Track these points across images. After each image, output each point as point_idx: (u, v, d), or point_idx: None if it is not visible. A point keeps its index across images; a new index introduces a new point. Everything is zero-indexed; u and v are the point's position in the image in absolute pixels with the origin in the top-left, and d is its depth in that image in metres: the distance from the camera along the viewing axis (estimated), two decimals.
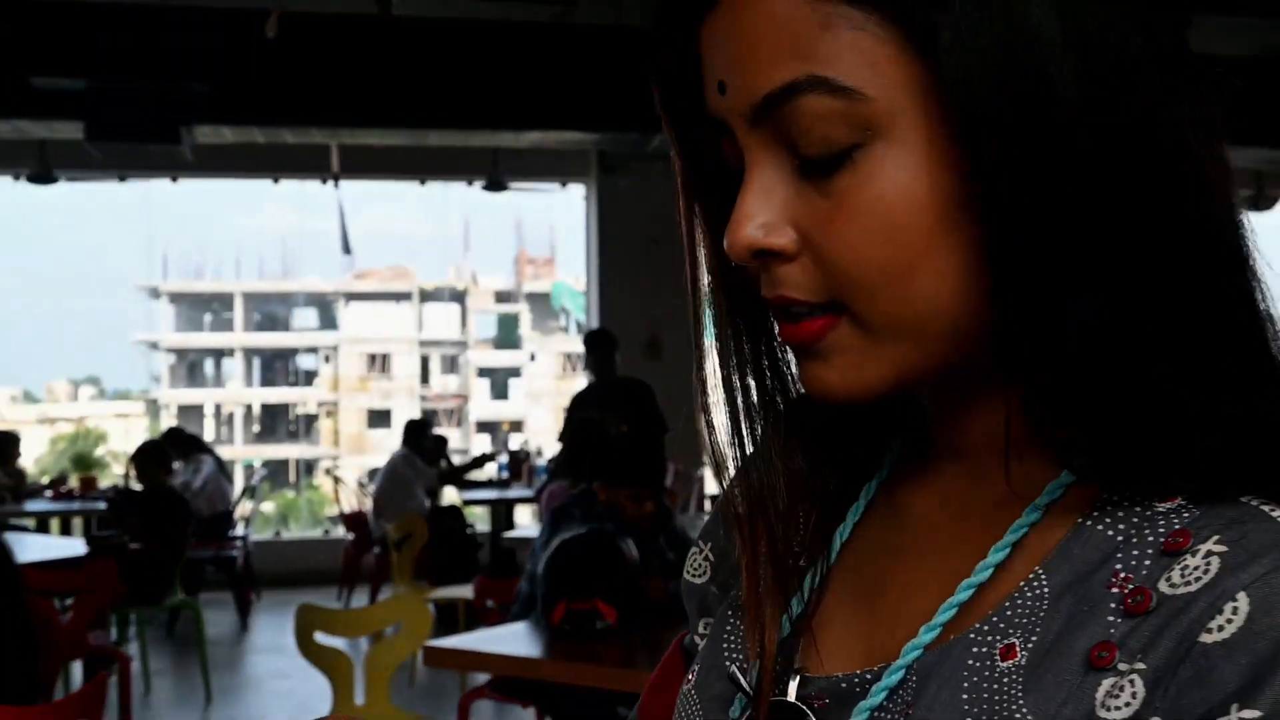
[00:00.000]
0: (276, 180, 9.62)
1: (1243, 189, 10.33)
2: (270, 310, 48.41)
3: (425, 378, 46.06)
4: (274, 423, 47.10)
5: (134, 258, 61.76)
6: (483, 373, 45.88)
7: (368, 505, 8.59)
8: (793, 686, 0.63)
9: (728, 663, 0.68)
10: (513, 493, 8.62)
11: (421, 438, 8.64)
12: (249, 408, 46.65)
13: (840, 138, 0.55)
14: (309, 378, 47.03)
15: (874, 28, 0.54)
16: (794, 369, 0.66)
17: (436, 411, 43.55)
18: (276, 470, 41.37)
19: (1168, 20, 0.58)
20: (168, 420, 38.58)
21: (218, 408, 46.43)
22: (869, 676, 0.61)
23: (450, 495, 8.97)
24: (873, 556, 0.66)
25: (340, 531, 9.49)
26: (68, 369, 52.42)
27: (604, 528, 3.79)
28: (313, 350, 47.14)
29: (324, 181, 8.99)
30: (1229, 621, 0.50)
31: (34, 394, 48.34)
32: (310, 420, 46.49)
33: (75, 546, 5.98)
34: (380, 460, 9.34)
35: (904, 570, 0.64)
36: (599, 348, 7.02)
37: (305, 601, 3.91)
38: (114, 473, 8.71)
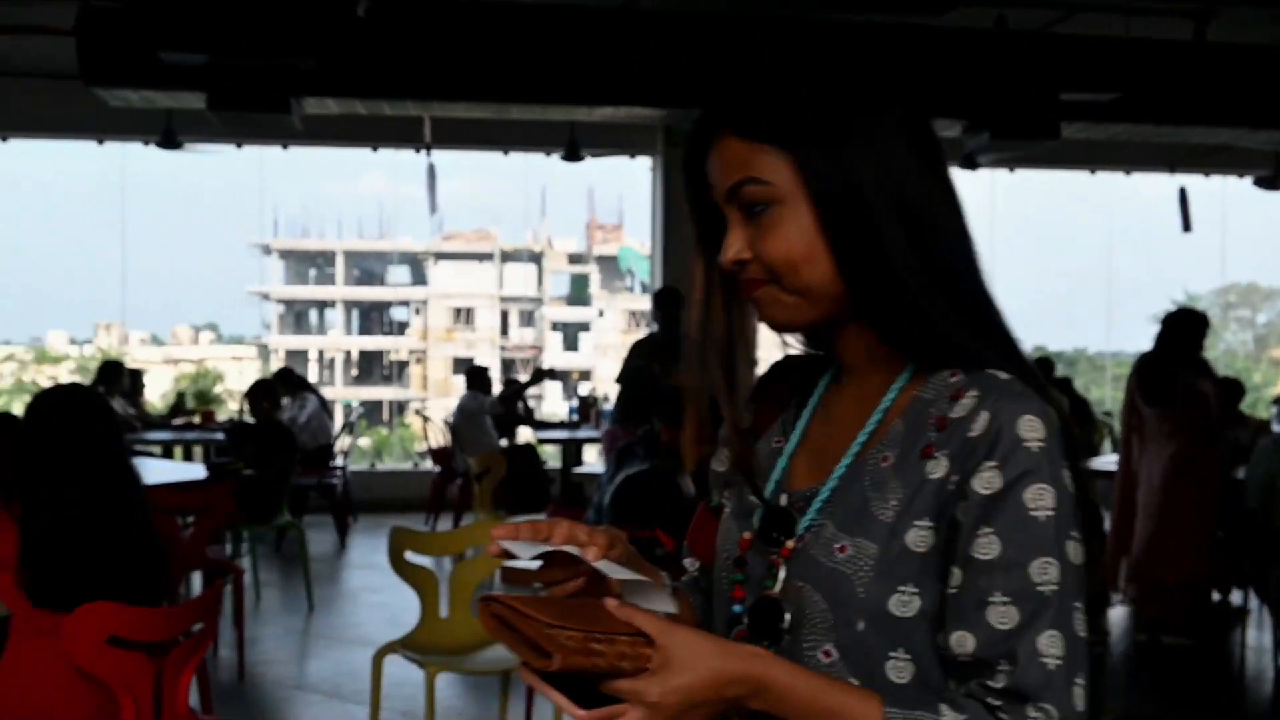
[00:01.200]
0: (375, 149, 9.65)
1: (1261, 169, 10.07)
2: (368, 266, 48.79)
3: (504, 330, 46.25)
4: (370, 367, 47.63)
5: (248, 218, 62.52)
6: (556, 326, 46.00)
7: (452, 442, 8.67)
8: (783, 498, 1.12)
9: (747, 498, 1.14)
10: (581, 433, 8.64)
11: (481, 379, 8.72)
12: (348, 354, 47.20)
13: (764, 201, 1.05)
14: (401, 328, 47.41)
15: (777, 153, 1.04)
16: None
17: (515, 360, 43.80)
18: (372, 410, 41.87)
19: (931, 147, 1.08)
20: (277, 363, 39.12)
21: (320, 353, 47.00)
22: (819, 487, 1.08)
23: (526, 434, 9.01)
24: (820, 429, 1.14)
25: (428, 465, 9.59)
26: (190, 317, 53.31)
27: (664, 465, 3.80)
28: (405, 303, 47.47)
29: (417, 151, 9.00)
30: (981, 427, 0.99)
31: (160, 338, 49.23)
32: (402, 366, 46.93)
33: (196, 471, 6.09)
34: None
35: (835, 433, 1.11)
36: (670, 304, 6.98)
37: (397, 525, 3.95)
38: (229, 408, 8.86)
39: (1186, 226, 9.61)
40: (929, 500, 1.00)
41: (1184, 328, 5.67)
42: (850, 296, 1.04)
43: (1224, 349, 42.16)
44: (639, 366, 5.79)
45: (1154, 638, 5.68)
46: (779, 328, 1.10)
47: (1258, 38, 7.52)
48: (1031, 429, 0.97)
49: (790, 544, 1.05)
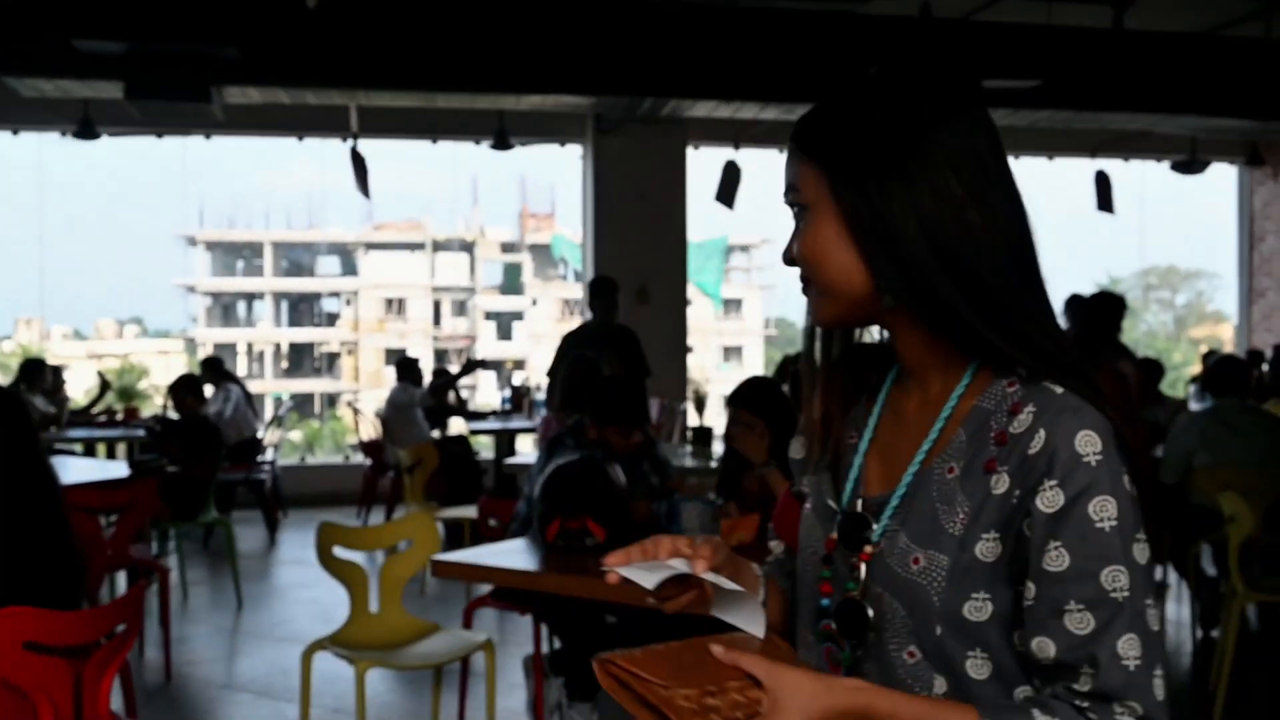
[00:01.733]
0: (301, 138, 9.50)
1: (1177, 154, 10.30)
2: (296, 258, 48.11)
3: (437, 320, 45.90)
4: (300, 360, 47.00)
5: (172, 209, 61.24)
6: (489, 316, 45.76)
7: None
8: (859, 504, 1.16)
9: (827, 500, 1.20)
10: (514, 423, 8.61)
11: (411, 370, 8.65)
12: (278, 346, 46.53)
13: (801, 205, 1.13)
14: (332, 319, 46.84)
15: (815, 168, 1.11)
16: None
17: (448, 350, 43.47)
18: (302, 402, 41.33)
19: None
20: (204, 357, 38.46)
21: (249, 346, 46.30)
22: (890, 494, 1.13)
23: (458, 425, 8.94)
24: (889, 428, 1.19)
25: (359, 458, 9.48)
26: (113, 310, 52.13)
27: (594, 455, 3.78)
28: (335, 294, 46.91)
29: (344, 140, 8.87)
30: (1039, 444, 1.04)
31: (83, 332, 48.10)
32: (333, 358, 46.38)
33: (119, 469, 5.96)
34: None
35: (903, 437, 1.16)
36: (607, 294, 6.93)
37: (326, 520, 3.90)
38: (155, 404, 8.66)
39: (1103, 207, 9.80)
40: (994, 514, 1.06)
41: (1102, 310, 5.78)
42: (878, 296, 1.11)
43: (1144, 330, 43.17)
44: (583, 355, 5.78)
45: None
46: (823, 325, 1.19)
47: (1174, 25, 7.68)
48: (1088, 443, 1.03)
49: (869, 549, 1.12)
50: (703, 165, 9.71)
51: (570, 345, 6.73)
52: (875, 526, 1.12)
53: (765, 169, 9.80)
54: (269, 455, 8.62)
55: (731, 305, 47.33)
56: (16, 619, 2.58)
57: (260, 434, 8.65)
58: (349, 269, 47.04)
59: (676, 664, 1.00)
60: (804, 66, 6.81)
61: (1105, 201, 9.83)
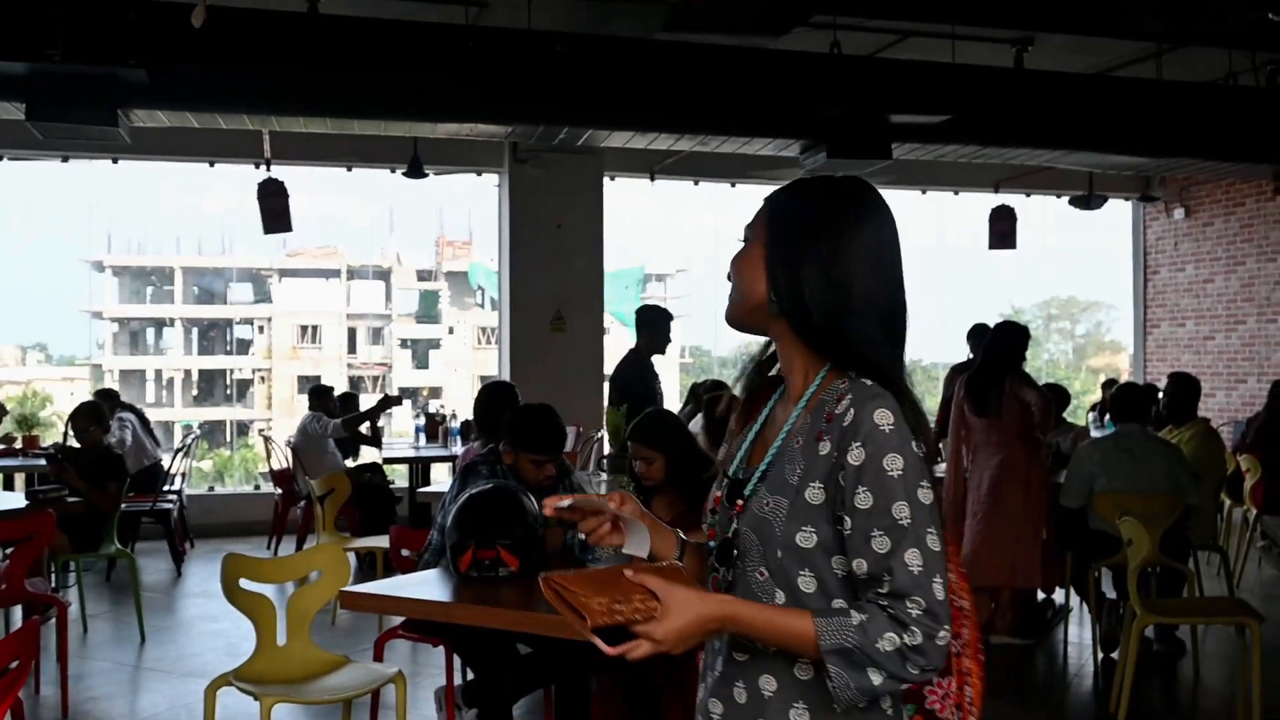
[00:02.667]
0: (212, 164, 9.30)
1: (1076, 190, 10.60)
2: (207, 284, 47.13)
3: (352, 348, 45.28)
4: (211, 387, 45.98)
5: (79, 233, 59.62)
6: (405, 344, 45.27)
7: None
8: (741, 473, 1.59)
9: (725, 475, 1.63)
10: (428, 451, 8.50)
11: (324, 398, 8.50)
12: (188, 373, 45.46)
13: (746, 239, 1.60)
14: (244, 346, 45.93)
15: (765, 221, 1.59)
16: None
17: (363, 378, 42.87)
18: (213, 430, 40.43)
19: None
20: (111, 385, 37.38)
21: (158, 373, 45.17)
22: (762, 465, 1.55)
23: (371, 454, 8.80)
24: (768, 427, 1.62)
25: (270, 487, 9.27)
26: (16, 336, 50.43)
27: (508, 483, 3.74)
28: (248, 321, 46.03)
29: (257, 166, 8.73)
30: (850, 419, 1.46)
31: None
32: (245, 385, 45.45)
33: (17, 500, 5.74)
34: None
35: (774, 427, 1.59)
36: (655, 323, 6.89)
37: (232, 551, 3.79)
38: (57, 433, 8.38)
39: (997, 244, 10.04)
40: (820, 469, 1.48)
41: (1005, 338, 5.90)
42: (791, 323, 1.56)
43: (1046, 359, 44.25)
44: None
45: (983, 638, 5.87)
46: (728, 320, 1.63)
47: (1071, 65, 7.92)
48: (883, 417, 1.45)
49: (740, 503, 1.55)
50: (619, 195, 9.75)
51: (623, 376, 6.72)
52: (747, 487, 1.55)
53: (680, 199, 9.86)
54: (176, 484, 8.38)
55: None
56: None
57: (164, 462, 8.40)
58: (262, 296, 46.21)
59: (598, 582, 1.41)
60: (718, 99, 6.87)
61: (1001, 239, 10.07)
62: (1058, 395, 7.34)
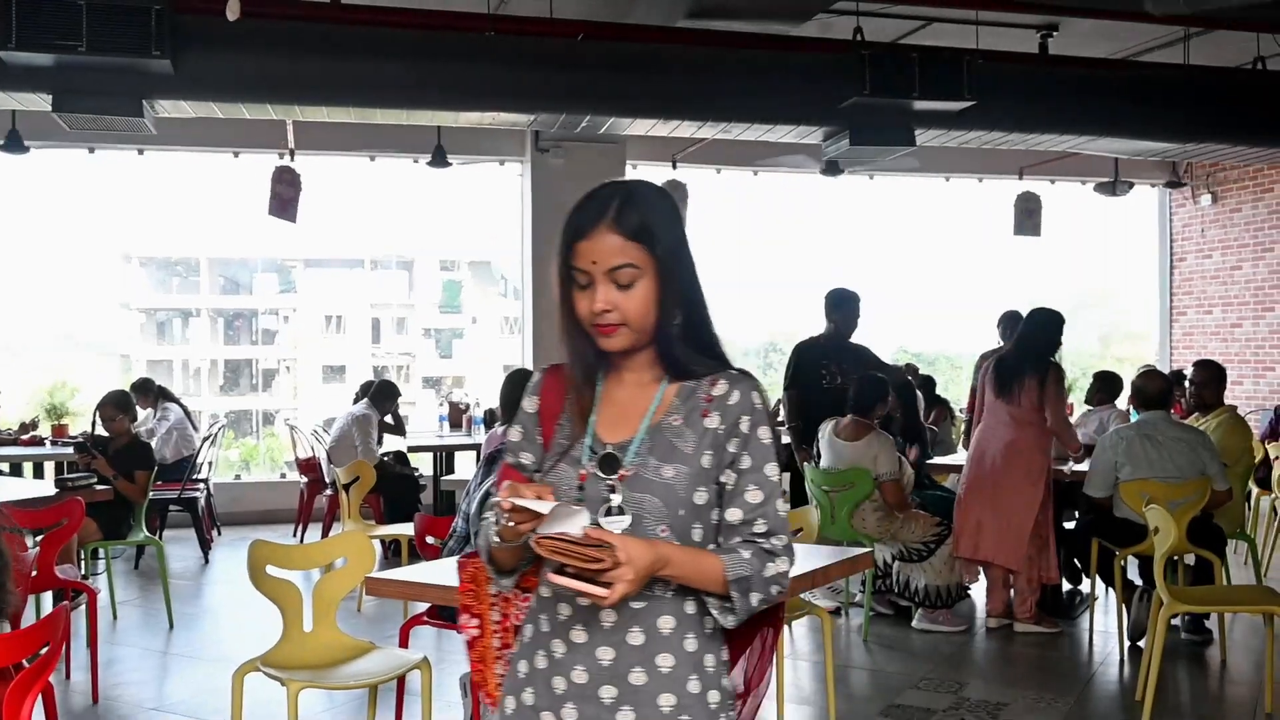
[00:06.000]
0: (237, 155, 9.35)
1: (1101, 176, 10.50)
2: (233, 274, 47.42)
3: (376, 337, 45.45)
4: (237, 377, 46.30)
5: (106, 224, 60.00)
6: (428, 333, 45.40)
7: (321, 452, 8.42)
8: (609, 447, 1.76)
9: (571, 454, 1.79)
10: (452, 440, 8.52)
11: (387, 400, 8.36)
12: (214, 363, 45.78)
13: (632, 279, 1.72)
14: (270, 336, 46.19)
15: (640, 249, 1.72)
16: (593, 345, 1.78)
17: (386, 368, 43.05)
18: (239, 419, 40.67)
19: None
20: (139, 374, 37.67)
21: (185, 363, 45.49)
22: (631, 438, 1.76)
23: (396, 442, 8.83)
24: (609, 409, 1.81)
25: (296, 475, 9.33)
26: (45, 326, 50.91)
27: None
28: (274, 311, 46.28)
29: (281, 156, 8.76)
30: (736, 398, 1.76)
31: (13, 349, 46.90)
32: (271, 374, 45.73)
33: (45, 488, 5.80)
34: (334, 411, 9.15)
35: (627, 407, 1.79)
36: (843, 305, 6.71)
37: (258, 539, 3.81)
38: (86, 421, 8.41)
39: (1022, 231, 9.98)
40: (710, 440, 1.75)
41: (1041, 325, 5.86)
42: (657, 335, 1.77)
43: (1071, 348, 43.99)
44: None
45: (1007, 625, 5.85)
46: (618, 350, 1.77)
47: (1096, 51, 7.84)
48: (758, 398, 1.77)
49: (624, 472, 1.73)
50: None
51: (802, 357, 6.67)
52: (625, 458, 1.74)
53: (702, 187, 9.84)
54: (203, 473, 8.44)
55: None
56: None
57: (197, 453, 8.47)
58: (287, 286, 46.44)
59: (573, 542, 1.56)
60: (741, 87, 6.84)
61: (1026, 226, 10.00)
62: (1108, 383, 7.26)
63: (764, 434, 1.75)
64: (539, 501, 1.61)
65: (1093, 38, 7.69)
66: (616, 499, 1.72)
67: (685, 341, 1.77)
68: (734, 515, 1.73)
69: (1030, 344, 5.81)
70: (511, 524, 1.62)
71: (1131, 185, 10.82)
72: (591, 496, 1.73)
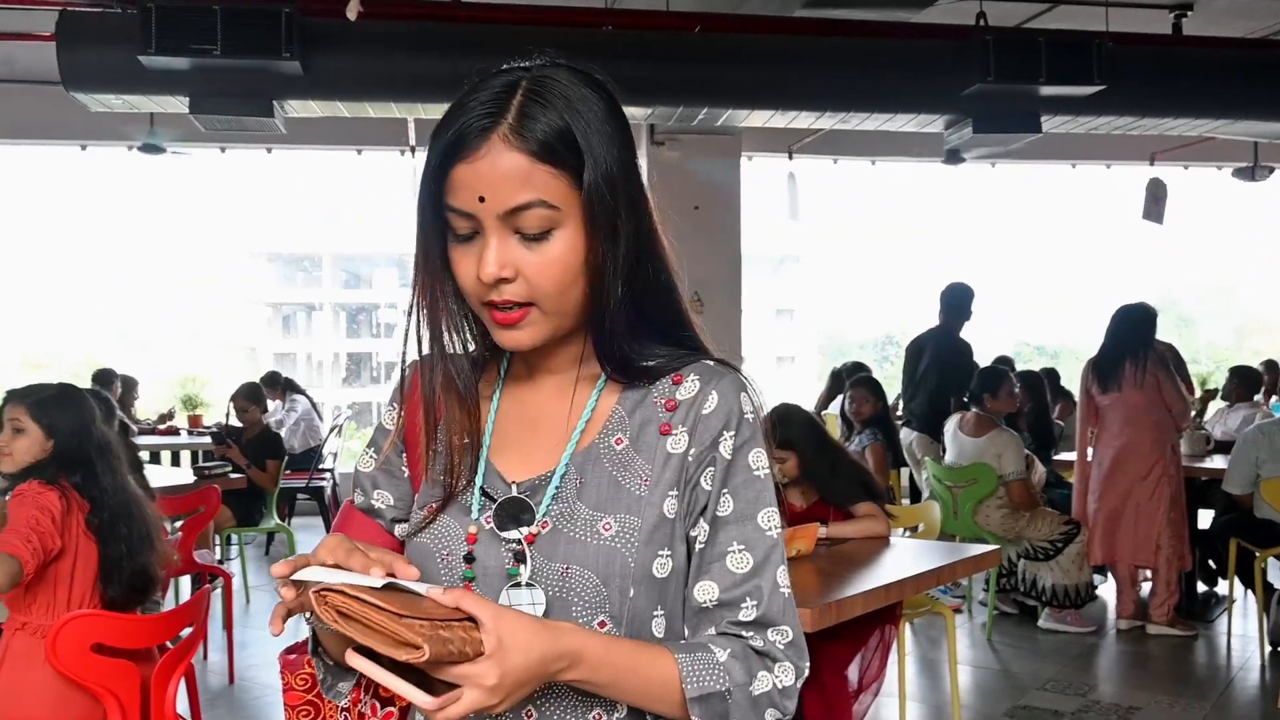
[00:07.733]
0: (360, 152, 9.59)
1: (1239, 161, 10.09)
2: (355, 269, 48.68)
3: None
4: (359, 369, 47.54)
5: (235, 222, 62.26)
6: None
7: None
8: (514, 488, 1.11)
9: (458, 500, 1.13)
10: None
11: None
12: (336, 355, 47.08)
13: (545, 226, 1.03)
14: (389, 330, 47.33)
15: (559, 175, 1.02)
16: (476, 335, 1.18)
17: None
18: (361, 411, 41.78)
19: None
20: (265, 366, 38.94)
21: (309, 356, 46.89)
22: (549, 474, 1.10)
23: None
24: (516, 425, 1.16)
25: None
26: (178, 319, 53.03)
27: None
28: (393, 305, 47.40)
29: (402, 153, 8.95)
30: (713, 405, 1.10)
31: (146, 343, 48.94)
32: (391, 367, 46.84)
33: (184, 476, 6.04)
34: None
35: (537, 427, 1.14)
36: (954, 301, 6.95)
37: None
38: (218, 412, 8.76)
39: (1150, 216, 9.65)
40: (674, 471, 1.09)
41: (1130, 321, 5.76)
42: (590, 316, 1.10)
43: (1205, 341, 42.34)
44: None
45: (1139, 627, 5.69)
46: (527, 348, 1.09)
47: (1231, 30, 7.53)
48: (748, 402, 1.12)
49: (534, 530, 1.08)
50: (757, 175, 9.69)
51: (911, 350, 6.95)
52: (539, 507, 1.09)
53: (819, 178, 9.74)
54: (329, 463, 8.70)
55: (784, 314, 47.07)
56: (85, 622, 2.62)
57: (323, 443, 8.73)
58: (406, 281, 47.51)
59: (401, 602, 0.91)
60: (860, 75, 6.75)
61: (1153, 211, 9.66)
62: (1245, 378, 7.07)
63: (757, 461, 1.11)
64: (363, 577, 0.96)
65: (1228, 17, 7.38)
66: (524, 571, 1.07)
67: (634, 324, 1.11)
68: (706, 592, 1.08)
69: (1123, 340, 5.70)
70: (323, 613, 0.92)
71: (1272, 170, 10.34)
72: (486, 566, 1.09)
